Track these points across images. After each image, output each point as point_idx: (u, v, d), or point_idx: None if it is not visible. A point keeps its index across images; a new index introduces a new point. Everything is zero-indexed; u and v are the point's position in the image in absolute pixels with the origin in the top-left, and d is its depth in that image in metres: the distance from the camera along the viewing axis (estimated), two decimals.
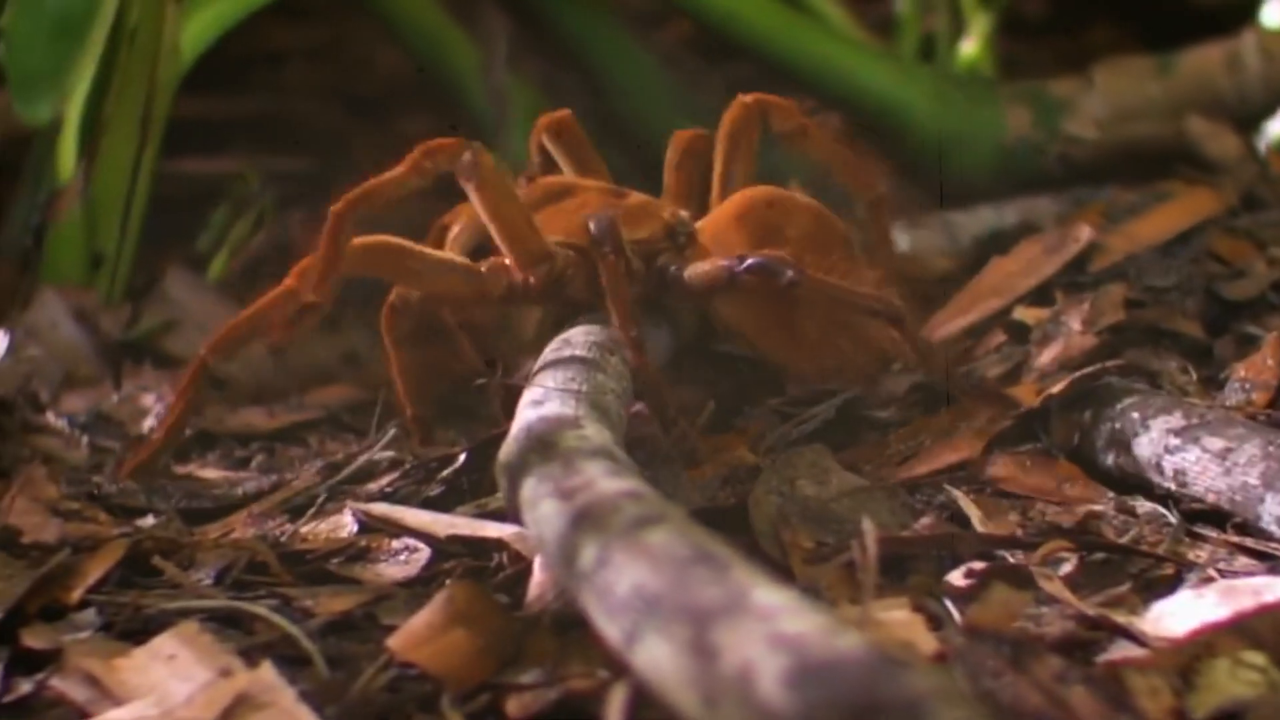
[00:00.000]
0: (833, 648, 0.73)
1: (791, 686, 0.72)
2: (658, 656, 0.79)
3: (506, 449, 1.05)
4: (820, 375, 1.31)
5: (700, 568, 0.81)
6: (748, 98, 1.38)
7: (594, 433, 1.05)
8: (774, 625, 0.75)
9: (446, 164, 1.23)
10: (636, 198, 1.33)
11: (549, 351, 1.22)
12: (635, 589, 0.83)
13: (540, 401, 1.11)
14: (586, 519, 0.90)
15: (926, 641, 0.94)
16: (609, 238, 1.22)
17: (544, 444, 1.02)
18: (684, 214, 1.32)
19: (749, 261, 1.21)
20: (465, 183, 1.24)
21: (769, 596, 0.78)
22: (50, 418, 1.43)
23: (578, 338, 1.23)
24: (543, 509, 0.95)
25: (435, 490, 1.23)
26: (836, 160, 1.39)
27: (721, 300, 1.27)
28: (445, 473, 1.24)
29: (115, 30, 1.58)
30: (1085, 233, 1.46)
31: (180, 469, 1.38)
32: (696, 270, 1.26)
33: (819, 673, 0.72)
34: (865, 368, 1.30)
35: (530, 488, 0.98)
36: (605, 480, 0.95)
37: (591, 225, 1.23)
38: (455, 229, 1.34)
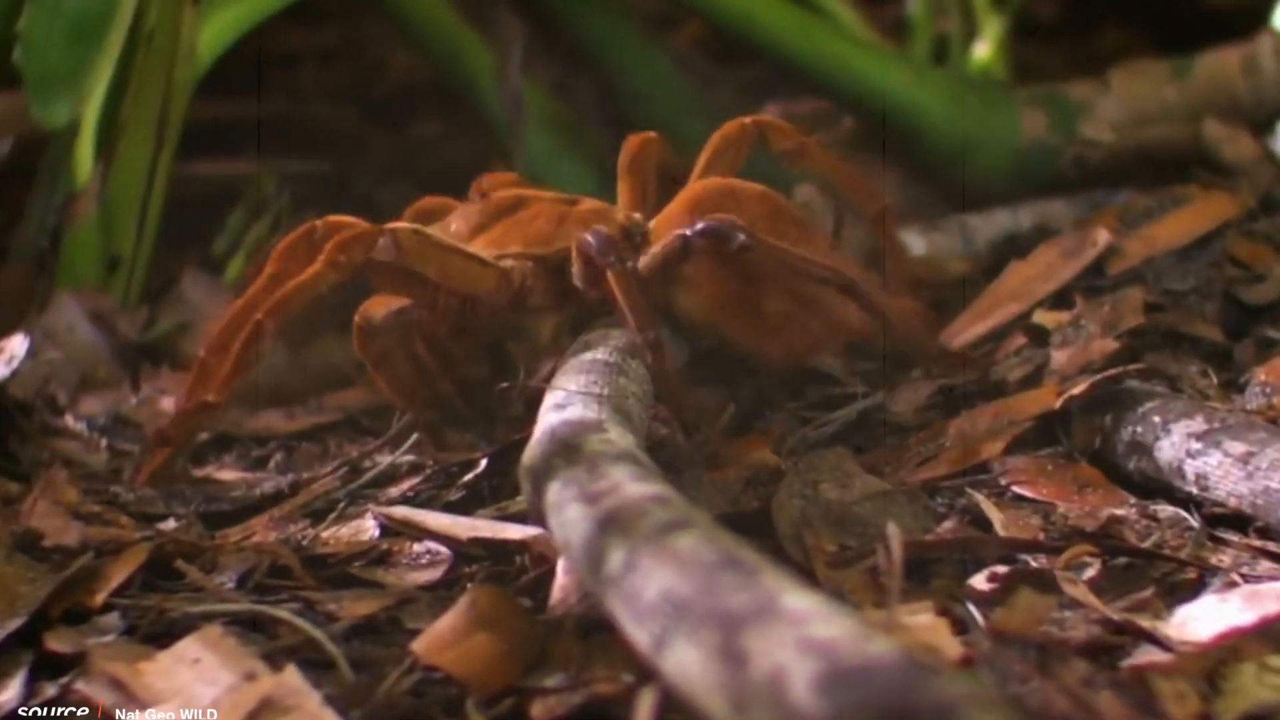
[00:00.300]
0: (864, 653, 0.73)
1: (823, 692, 0.72)
2: (687, 661, 0.79)
3: (530, 453, 1.05)
4: (791, 357, 1.31)
5: (729, 572, 0.81)
6: (747, 119, 1.38)
7: (618, 436, 1.05)
8: (804, 630, 0.75)
9: (362, 254, 1.24)
10: (589, 203, 1.35)
11: (570, 354, 1.22)
12: (663, 594, 0.83)
13: (563, 405, 1.11)
14: (613, 523, 0.90)
15: (951, 646, 0.94)
16: (610, 249, 1.23)
17: (568, 448, 1.02)
18: (638, 216, 1.34)
19: (700, 226, 1.22)
20: (395, 263, 1.25)
21: (799, 601, 0.78)
22: (69, 421, 1.43)
23: (599, 341, 1.23)
24: (568, 513, 0.95)
25: (456, 494, 1.23)
26: (838, 176, 1.40)
27: (683, 291, 1.28)
28: (466, 477, 1.24)
29: (133, 32, 1.58)
30: (1103, 237, 1.46)
31: (198, 471, 1.38)
32: (650, 254, 1.27)
33: (851, 678, 0.72)
34: (835, 346, 1.32)
35: (555, 492, 0.98)
36: (631, 484, 0.95)
37: (591, 240, 1.23)
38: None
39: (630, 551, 0.87)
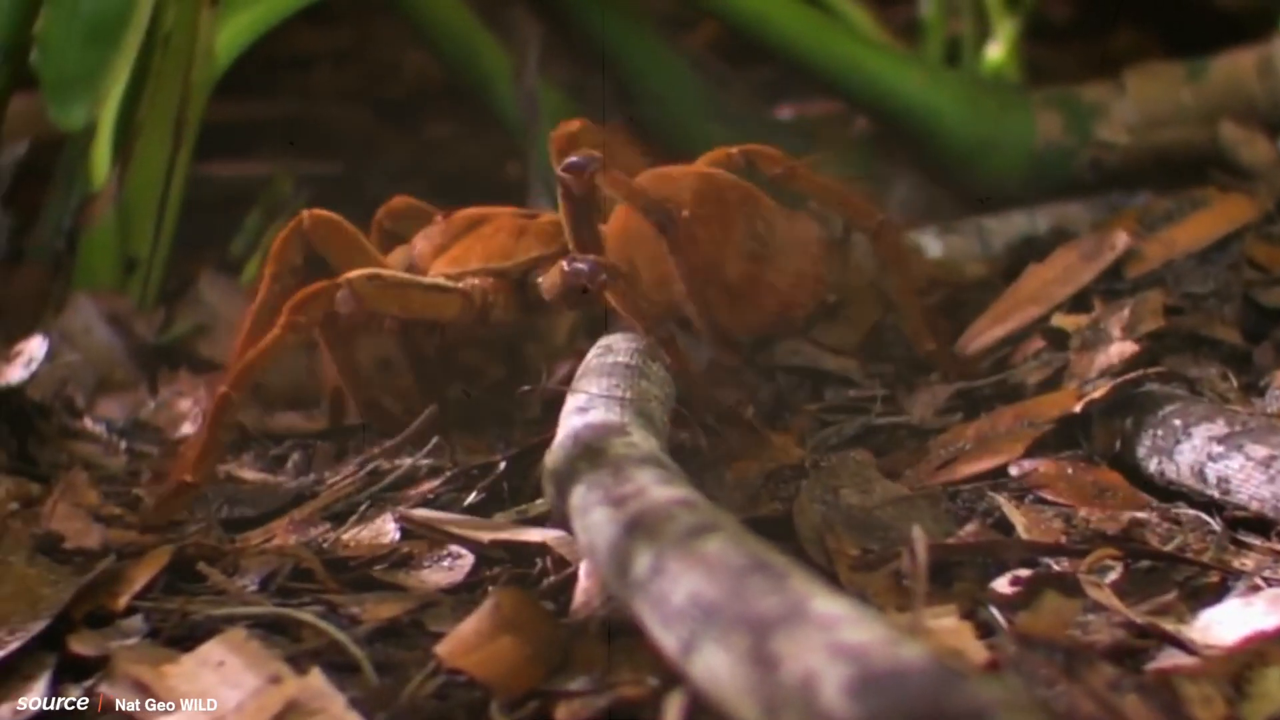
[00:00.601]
0: (896, 657, 0.73)
1: (854, 696, 0.72)
2: (716, 665, 0.79)
3: (554, 456, 1.05)
4: (762, 322, 1.32)
5: (757, 576, 0.81)
6: (733, 149, 1.39)
7: (641, 440, 1.05)
8: (835, 634, 0.75)
9: (321, 310, 1.25)
10: (547, 216, 1.38)
11: (591, 357, 1.22)
12: (692, 598, 0.82)
13: (585, 408, 1.11)
14: (639, 527, 0.90)
15: (976, 649, 0.94)
16: (599, 271, 1.24)
17: (592, 451, 1.02)
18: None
19: (563, 163, 1.26)
20: (359, 313, 1.26)
21: (829, 606, 0.78)
22: (88, 423, 1.43)
23: (620, 344, 1.23)
24: (594, 517, 0.95)
25: (475, 497, 1.23)
26: (829, 197, 1.40)
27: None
28: (486, 480, 1.24)
29: (150, 34, 1.58)
30: (1122, 240, 1.46)
31: (219, 468, 1.37)
32: (562, 220, 1.30)
33: (882, 682, 0.72)
34: (806, 302, 1.33)
35: (580, 495, 0.98)
36: (657, 488, 0.95)
37: (582, 268, 1.25)
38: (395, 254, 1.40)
39: (657, 555, 0.87)
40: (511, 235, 1.35)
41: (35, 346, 1.39)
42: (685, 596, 0.83)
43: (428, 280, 1.33)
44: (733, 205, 1.31)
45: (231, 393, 1.23)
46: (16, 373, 1.37)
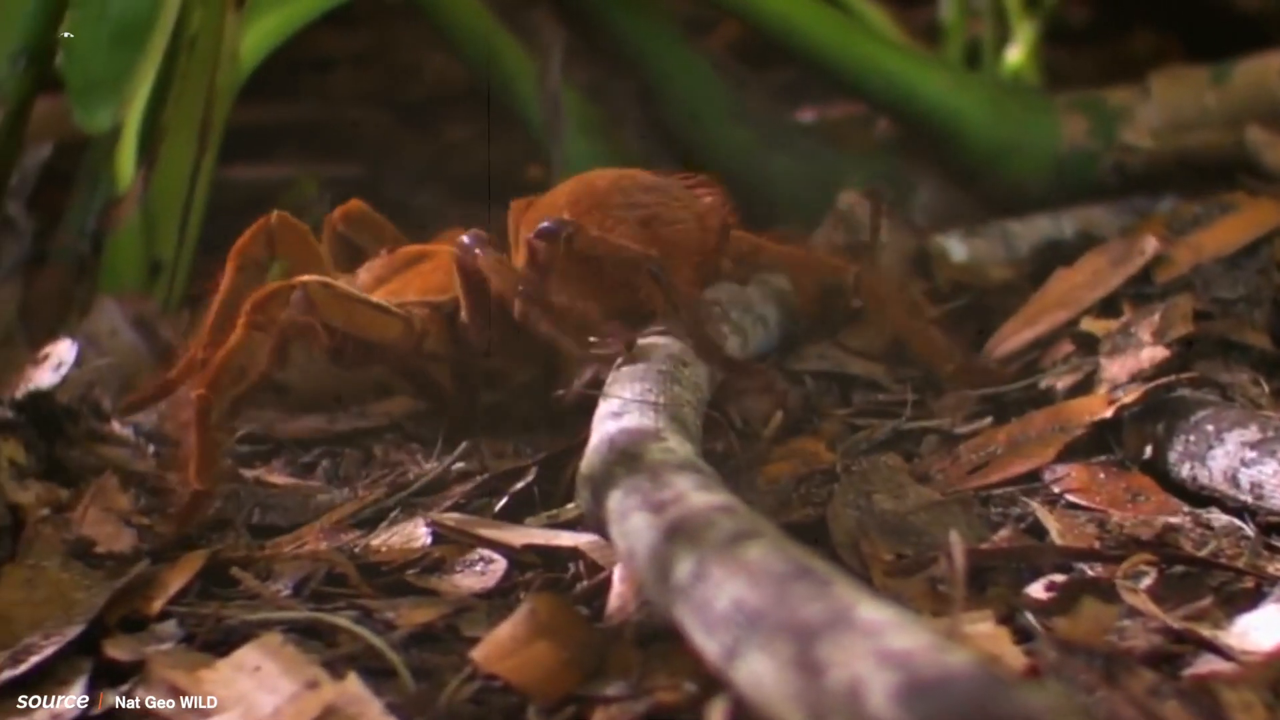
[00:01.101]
0: (943, 664, 0.73)
1: (902, 703, 0.72)
2: (760, 672, 0.79)
3: (589, 461, 1.05)
4: (696, 272, 1.31)
5: (801, 583, 0.81)
6: None
7: (677, 445, 1.05)
8: (881, 641, 0.75)
9: (279, 310, 1.26)
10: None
11: (622, 362, 1.22)
12: (735, 604, 0.82)
13: (619, 413, 1.11)
14: (680, 533, 0.90)
15: (1014, 655, 0.94)
16: (478, 241, 1.26)
17: (629, 456, 1.02)
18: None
19: (537, 229, 1.25)
20: (309, 315, 1.27)
21: (874, 612, 0.78)
22: (115, 427, 1.42)
23: (651, 349, 1.23)
24: (632, 522, 0.95)
25: (506, 502, 1.23)
26: (796, 265, 1.39)
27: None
28: (517, 485, 1.24)
29: (175, 38, 1.57)
30: (1151, 244, 1.45)
31: (248, 473, 1.37)
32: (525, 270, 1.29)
33: (929, 688, 0.72)
34: (716, 240, 1.31)
35: (617, 500, 0.98)
36: (696, 494, 0.94)
37: (464, 240, 1.27)
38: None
39: (699, 561, 0.87)
40: (449, 272, 1.35)
41: (64, 350, 1.38)
42: (728, 603, 0.83)
43: (376, 300, 1.34)
44: (605, 190, 1.30)
45: (209, 394, 1.24)
46: (46, 376, 1.36)
